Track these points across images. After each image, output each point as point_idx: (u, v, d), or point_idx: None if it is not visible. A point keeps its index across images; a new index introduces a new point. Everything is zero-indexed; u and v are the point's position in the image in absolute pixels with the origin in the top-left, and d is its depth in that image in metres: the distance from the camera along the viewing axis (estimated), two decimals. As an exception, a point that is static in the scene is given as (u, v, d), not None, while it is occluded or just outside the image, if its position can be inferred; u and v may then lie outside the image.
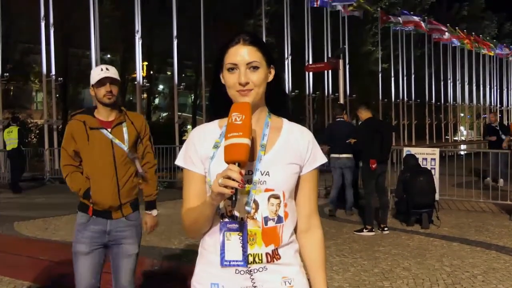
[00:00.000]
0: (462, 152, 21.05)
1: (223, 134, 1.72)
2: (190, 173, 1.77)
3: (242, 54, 1.70)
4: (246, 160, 1.57)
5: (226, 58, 1.72)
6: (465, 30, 46.81)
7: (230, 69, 1.71)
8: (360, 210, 9.08)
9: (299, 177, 1.78)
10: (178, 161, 1.80)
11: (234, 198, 1.56)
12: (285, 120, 1.81)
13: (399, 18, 37.79)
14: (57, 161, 18.64)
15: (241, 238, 1.67)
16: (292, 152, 1.74)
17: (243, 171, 1.55)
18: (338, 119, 9.44)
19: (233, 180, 1.51)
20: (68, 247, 7.18)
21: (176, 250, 6.80)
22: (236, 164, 1.54)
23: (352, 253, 6.51)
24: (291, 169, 1.73)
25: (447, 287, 5.07)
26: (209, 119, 1.85)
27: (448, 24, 43.86)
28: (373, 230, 7.61)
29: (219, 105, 1.81)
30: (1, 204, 11.88)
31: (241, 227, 1.67)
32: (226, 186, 1.52)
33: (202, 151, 1.74)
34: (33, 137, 27.52)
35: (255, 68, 1.71)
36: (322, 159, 1.82)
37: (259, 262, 1.68)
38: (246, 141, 1.57)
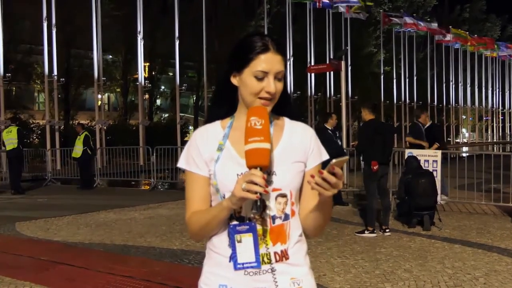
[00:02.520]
0: (464, 154, 21.05)
1: (227, 136, 1.73)
2: (194, 175, 1.74)
3: (274, 63, 1.67)
4: (268, 165, 1.58)
5: (254, 64, 1.67)
6: (467, 32, 46.79)
7: (259, 77, 1.67)
8: (362, 211, 9.08)
9: (304, 174, 1.76)
10: (181, 164, 1.77)
11: (259, 203, 1.55)
12: (286, 119, 1.80)
13: (401, 19, 37.77)
14: (59, 161, 18.68)
15: (252, 239, 1.66)
16: (296, 150, 1.73)
17: (265, 176, 1.55)
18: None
19: (257, 185, 1.51)
20: (69, 247, 7.21)
21: (177, 251, 6.78)
22: (258, 168, 1.55)
23: (353, 254, 6.50)
24: (297, 167, 1.72)
25: (449, 289, 5.05)
26: (209, 119, 1.82)
27: (450, 27, 43.86)
28: (375, 231, 7.60)
29: (224, 106, 1.80)
30: (3, 205, 11.89)
31: (251, 229, 1.66)
32: (248, 191, 1.52)
33: (206, 153, 1.72)
34: (35, 137, 27.54)
35: (281, 79, 1.70)
36: (326, 155, 1.80)
37: (267, 262, 1.67)
38: (268, 146, 1.58)
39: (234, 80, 1.73)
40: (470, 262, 6.05)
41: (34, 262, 6.33)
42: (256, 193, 1.51)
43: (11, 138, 13.71)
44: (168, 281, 5.32)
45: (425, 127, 10.77)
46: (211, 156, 1.71)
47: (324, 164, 1.68)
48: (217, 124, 1.78)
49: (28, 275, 5.68)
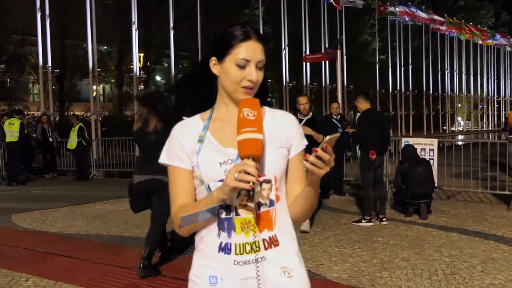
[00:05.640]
0: (459, 143, 21.09)
1: (207, 127, 1.73)
2: (177, 169, 1.74)
3: (255, 51, 1.68)
4: (260, 155, 1.58)
5: (236, 52, 1.67)
6: (462, 21, 46.74)
7: (241, 65, 1.67)
8: (359, 200, 9.09)
9: (288, 161, 1.76)
10: (162, 159, 1.77)
11: (252, 193, 1.56)
12: (266, 108, 1.80)
13: (396, 8, 37.65)
14: (54, 153, 18.57)
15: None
16: (278, 136, 1.73)
17: (257, 166, 1.55)
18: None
19: (250, 174, 1.51)
20: (66, 239, 7.19)
21: (174, 241, 6.77)
22: (251, 158, 1.55)
23: (350, 243, 6.50)
24: (280, 152, 1.72)
25: (446, 277, 5.06)
26: (178, 103, 1.84)
27: (446, 15, 43.78)
28: (372, 220, 7.61)
29: (201, 94, 1.80)
30: (-1, 196, 11.86)
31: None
32: (241, 180, 1.52)
33: (188, 146, 1.72)
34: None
35: (261, 67, 1.71)
36: (306, 142, 1.80)
37: (256, 251, 1.67)
38: (261, 136, 1.58)
39: (215, 70, 1.73)
40: (467, 250, 6.06)
41: (31, 253, 6.31)
42: (248, 182, 1.51)
43: (12, 131, 13.69)
44: (165, 272, 5.32)
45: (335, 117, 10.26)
46: (193, 148, 1.71)
47: (306, 151, 1.72)
48: (196, 117, 1.79)
49: (24, 267, 5.67)
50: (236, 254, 1.66)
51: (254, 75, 1.67)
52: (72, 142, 14.49)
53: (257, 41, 1.69)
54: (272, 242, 1.69)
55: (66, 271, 5.50)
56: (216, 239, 1.69)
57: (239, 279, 1.67)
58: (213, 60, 1.73)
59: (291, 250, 1.74)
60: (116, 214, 8.89)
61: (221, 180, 1.61)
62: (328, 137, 1.53)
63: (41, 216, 8.88)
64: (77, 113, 22.21)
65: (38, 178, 15.30)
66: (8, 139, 13.85)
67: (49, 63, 21.79)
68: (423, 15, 40.62)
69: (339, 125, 10.02)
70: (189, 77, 1.86)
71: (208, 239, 1.71)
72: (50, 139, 14.91)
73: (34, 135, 15.16)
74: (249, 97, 1.67)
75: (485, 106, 56.27)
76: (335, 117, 10.23)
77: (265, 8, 33.09)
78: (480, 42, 50.08)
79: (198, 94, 1.81)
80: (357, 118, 9.01)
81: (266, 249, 1.68)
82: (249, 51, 1.67)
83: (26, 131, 14.69)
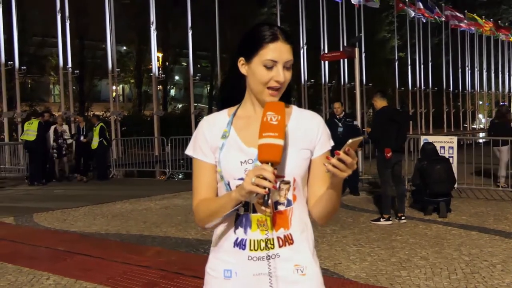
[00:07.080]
0: (480, 140, 20.80)
1: (230, 123, 1.75)
2: (201, 163, 1.77)
3: (283, 52, 1.69)
4: (279, 161, 1.59)
5: (264, 53, 1.68)
6: (483, 16, 46.10)
7: (268, 66, 1.68)
8: (377, 199, 9.04)
9: (310, 161, 1.76)
10: (188, 151, 1.81)
11: (267, 198, 1.56)
12: (294, 107, 1.81)
13: (415, 6, 37.26)
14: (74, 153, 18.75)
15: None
16: (302, 137, 1.74)
17: (275, 171, 1.55)
18: None
19: (267, 180, 1.52)
20: (86, 238, 7.27)
21: (193, 240, 6.82)
22: (269, 164, 1.55)
23: (369, 242, 6.47)
24: (302, 154, 1.72)
25: (466, 277, 5.01)
26: (221, 108, 1.85)
27: (466, 11, 43.24)
28: (390, 219, 7.56)
29: (234, 94, 1.82)
30: (21, 196, 12.03)
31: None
32: (257, 185, 1.52)
33: (212, 141, 1.75)
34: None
35: (289, 67, 1.71)
36: (332, 143, 1.80)
37: (271, 248, 1.69)
38: (281, 142, 1.58)
39: (243, 69, 1.74)
40: (487, 249, 6.00)
41: (52, 252, 6.40)
42: (264, 188, 1.52)
43: (30, 130, 13.90)
44: (184, 271, 5.36)
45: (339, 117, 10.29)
46: (217, 143, 1.74)
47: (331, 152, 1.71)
48: (224, 112, 1.82)
49: (45, 265, 5.75)
50: (250, 250, 1.69)
51: (281, 75, 1.68)
52: (94, 142, 14.65)
53: (285, 42, 1.70)
54: (287, 240, 1.71)
55: (86, 270, 5.57)
56: (232, 234, 1.72)
57: (252, 274, 1.70)
58: (241, 60, 1.74)
59: (305, 249, 1.75)
60: (135, 213, 8.98)
61: (241, 179, 1.63)
62: (350, 141, 1.53)
63: (62, 215, 9.00)
64: (97, 113, 22.45)
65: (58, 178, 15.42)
66: (24, 137, 14.07)
67: (69, 64, 22.04)
68: (441, 12, 40.14)
69: (340, 124, 9.91)
70: (227, 78, 1.89)
71: (224, 234, 1.74)
72: (82, 138, 14.95)
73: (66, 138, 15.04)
74: (272, 98, 1.69)
75: (506, 103, 55.40)
76: (338, 116, 10.11)
77: (283, 7, 33.01)
78: (503, 38, 49.33)
79: (234, 92, 1.82)
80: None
81: (280, 246, 1.70)
82: (277, 52, 1.68)
83: (65, 131, 14.88)
